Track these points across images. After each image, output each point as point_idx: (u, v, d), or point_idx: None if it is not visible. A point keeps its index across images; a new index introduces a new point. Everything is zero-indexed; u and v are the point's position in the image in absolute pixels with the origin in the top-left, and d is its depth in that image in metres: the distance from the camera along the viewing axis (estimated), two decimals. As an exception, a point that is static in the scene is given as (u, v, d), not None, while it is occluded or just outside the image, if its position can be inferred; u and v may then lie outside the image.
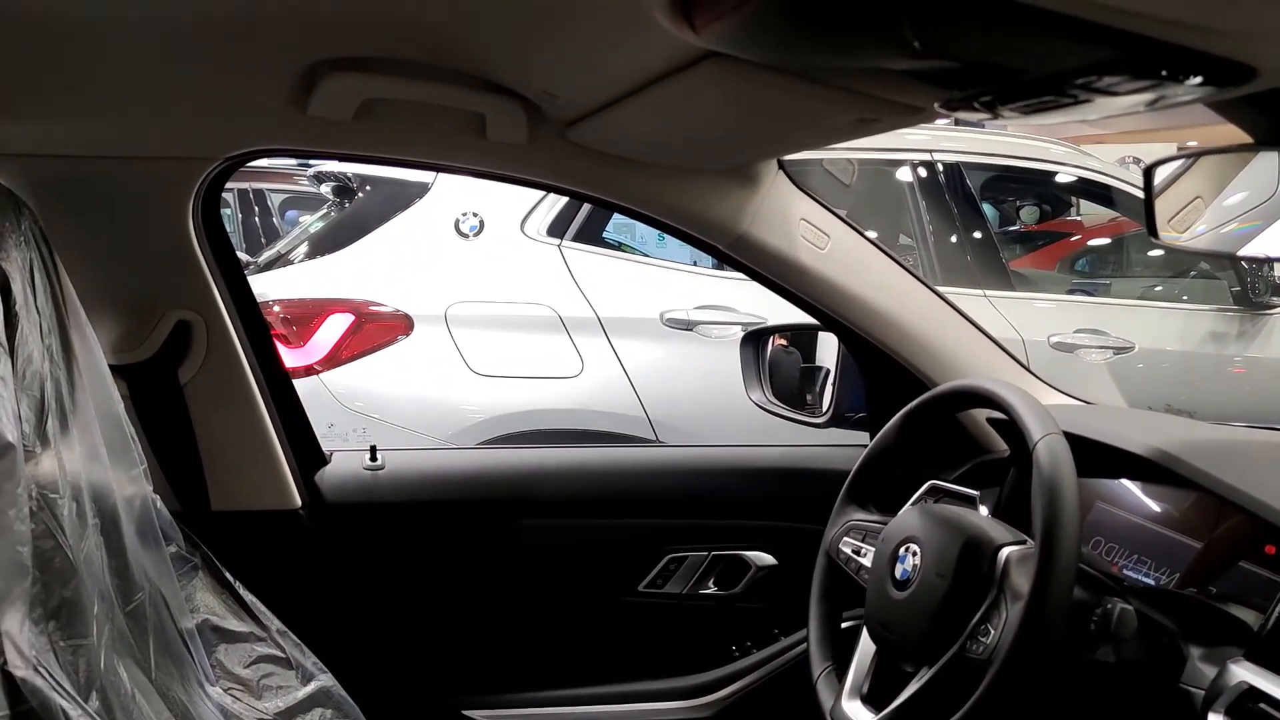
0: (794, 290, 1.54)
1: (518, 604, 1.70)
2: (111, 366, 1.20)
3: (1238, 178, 1.00)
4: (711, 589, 1.74)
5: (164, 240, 1.41)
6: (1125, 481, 1.48)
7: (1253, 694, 1.08)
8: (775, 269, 1.51)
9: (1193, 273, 4.41)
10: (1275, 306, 3.76)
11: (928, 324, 1.59)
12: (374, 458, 1.66)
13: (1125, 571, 1.39)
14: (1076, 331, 3.52)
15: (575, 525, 1.70)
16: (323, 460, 1.67)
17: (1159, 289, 4.51)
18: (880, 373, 1.66)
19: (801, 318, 1.70)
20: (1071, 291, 4.39)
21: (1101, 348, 3.53)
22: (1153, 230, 1.08)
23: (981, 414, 1.62)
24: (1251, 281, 3.70)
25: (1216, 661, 1.14)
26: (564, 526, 1.69)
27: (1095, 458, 1.29)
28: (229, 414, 1.51)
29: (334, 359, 2.86)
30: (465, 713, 1.65)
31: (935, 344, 1.58)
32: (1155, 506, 1.43)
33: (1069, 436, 1.15)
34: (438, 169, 1.44)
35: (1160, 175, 1.07)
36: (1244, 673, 1.10)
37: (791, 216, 1.50)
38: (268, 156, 1.50)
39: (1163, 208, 1.06)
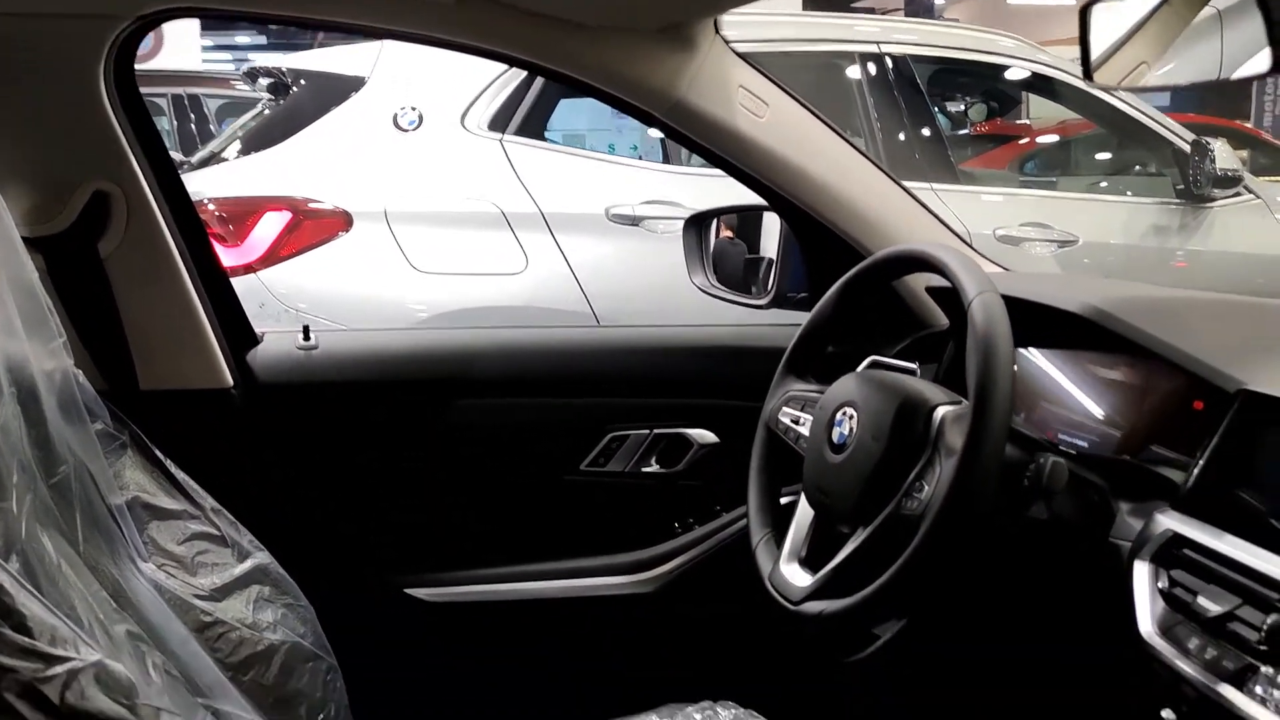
0: (732, 161, 1.52)
1: (457, 483, 1.68)
2: (25, 239, 1.15)
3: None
4: (653, 467, 1.74)
5: (75, 105, 1.35)
6: (1059, 350, 1.49)
7: (1177, 541, 1.10)
8: (713, 138, 1.49)
9: (1137, 168, 4.43)
10: (1216, 200, 3.79)
11: (867, 195, 1.58)
12: (307, 337, 1.63)
13: (1060, 436, 1.41)
14: (1022, 225, 3.53)
15: (514, 405, 1.68)
16: (254, 340, 1.63)
17: (1104, 185, 4.54)
18: (821, 248, 1.65)
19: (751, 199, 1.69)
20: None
21: (1046, 241, 3.55)
22: (1088, 73, 1.07)
23: (920, 287, 1.62)
24: (1194, 175, 3.72)
25: (1144, 515, 1.16)
26: (503, 406, 1.68)
27: (1030, 326, 1.30)
28: (153, 290, 1.47)
29: (272, 257, 2.80)
30: (407, 591, 1.65)
31: (874, 216, 1.57)
32: (1088, 373, 1.45)
33: (1005, 300, 1.15)
34: (357, 30, 1.38)
35: (1096, 18, 1.05)
36: (1169, 521, 1.12)
37: (730, 84, 1.47)
38: (182, 16, 1.44)
39: (1097, 50, 1.05)
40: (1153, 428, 1.30)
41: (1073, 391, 1.47)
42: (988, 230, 3.37)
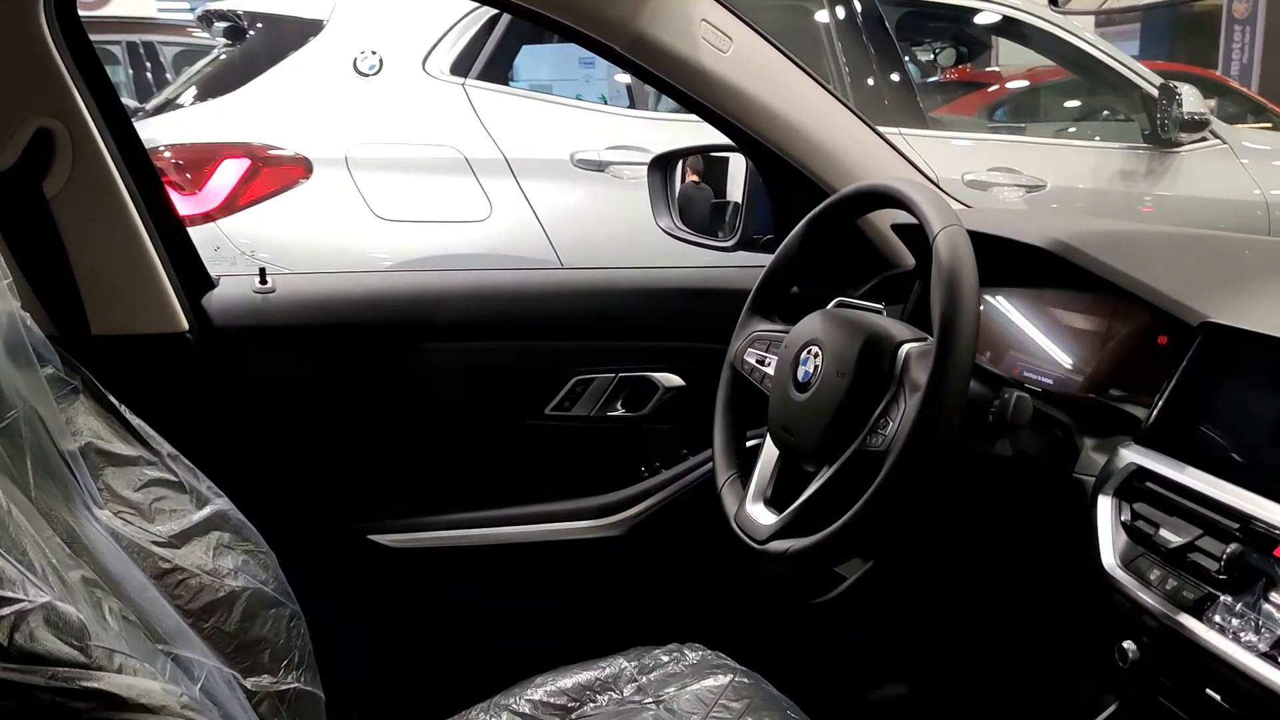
0: (697, 98, 1.49)
1: (420, 428, 1.67)
2: (-35, 177, 1.12)
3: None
4: (619, 411, 1.73)
5: (14, 39, 1.31)
6: (1025, 289, 1.49)
7: (1140, 474, 1.10)
8: (676, 74, 1.46)
9: (1105, 113, 4.43)
10: (1183, 145, 3.80)
11: (833, 133, 1.56)
12: (264, 281, 1.60)
13: (1025, 374, 1.41)
14: (990, 170, 3.53)
15: (477, 349, 1.66)
16: (209, 283, 1.60)
17: (1072, 130, 4.54)
18: (786, 188, 1.64)
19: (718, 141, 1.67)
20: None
21: (1014, 186, 3.55)
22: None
23: (886, 225, 1.61)
24: (1161, 119, 3.72)
25: (1108, 450, 1.17)
26: (465, 350, 1.66)
27: (996, 264, 1.29)
28: (103, 231, 1.43)
29: (230, 205, 2.75)
30: (370, 537, 1.64)
31: (841, 154, 1.55)
32: (1054, 311, 1.45)
33: (970, 236, 1.14)
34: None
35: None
36: (1132, 455, 1.12)
37: (692, 17, 1.44)
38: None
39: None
40: (1118, 364, 1.30)
41: (1038, 330, 1.46)
42: (956, 175, 3.37)
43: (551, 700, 1.41)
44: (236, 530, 1.28)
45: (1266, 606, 0.92)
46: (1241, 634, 0.94)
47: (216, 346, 1.55)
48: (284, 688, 1.23)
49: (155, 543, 1.19)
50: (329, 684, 1.36)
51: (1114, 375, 1.31)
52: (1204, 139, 3.83)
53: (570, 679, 1.43)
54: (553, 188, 2.97)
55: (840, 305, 1.36)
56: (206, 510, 1.27)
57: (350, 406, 1.64)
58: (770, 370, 1.35)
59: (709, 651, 1.47)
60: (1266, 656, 0.91)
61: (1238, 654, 0.93)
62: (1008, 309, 1.51)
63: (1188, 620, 0.99)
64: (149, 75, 6.61)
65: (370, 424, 1.65)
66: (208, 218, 2.71)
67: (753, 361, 1.39)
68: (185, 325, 1.52)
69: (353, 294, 1.67)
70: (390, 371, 1.64)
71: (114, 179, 1.43)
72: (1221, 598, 0.97)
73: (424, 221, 2.87)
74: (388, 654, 1.69)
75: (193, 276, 1.57)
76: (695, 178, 2.22)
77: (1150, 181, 3.82)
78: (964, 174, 3.42)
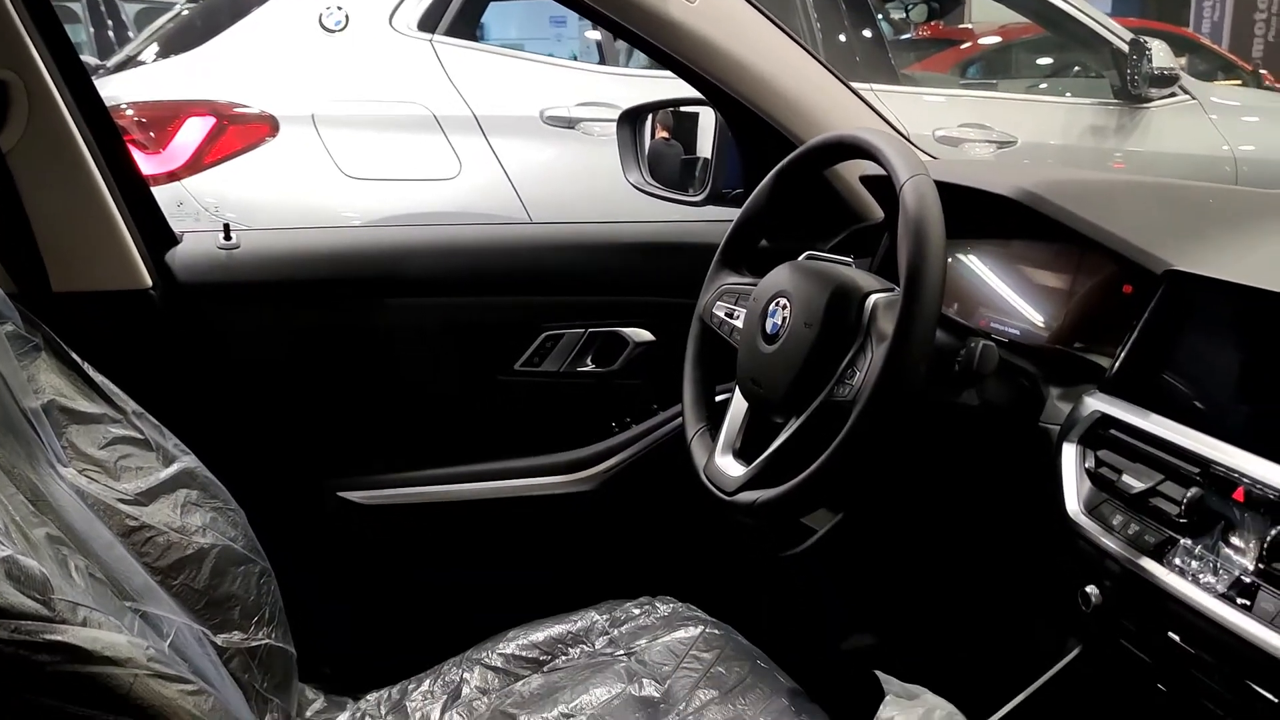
0: (663, 48, 1.48)
1: (388, 385, 1.66)
2: (-83, 131, 1.10)
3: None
4: (589, 366, 1.73)
5: None
6: (992, 240, 1.49)
7: (1105, 421, 1.11)
8: (644, 24, 1.45)
9: (1076, 69, 4.44)
10: (1153, 100, 3.81)
11: (803, 86, 1.55)
12: (228, 236, 1.58)
13: (992, 325, 1.42)
14: (961, 126, 3.53)
15: (445, 304, 1.65)
16: (173, 239, 1.58)
17: (1044, 86, 4.55)
18: (756, 142, 1.63)
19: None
20: (958, 91, 4.40)
21: (985, 142, 3.55)
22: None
23: (854, 178, 1.61)
24: (1131, 75, 3.73)
25: (1073, 399, 1.17)
26: (434, 306, 1.65)
27: (963, 215, 1.29)
28: (61, 186, 1.41)
29: (195, 164, 2.71)
30: (340, 494, 1.64)
31: (808, 104, 1.54)
32: (1020, 262, 1.45)
33: (937, 187, 1.13)
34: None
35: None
36: (1096, 403, 1.13)
37: None
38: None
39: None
40: (1083, 315, 1.31)
41: (1005, 281, 1.47)
42: (927, 131, 3.37)
43: (523, 654, 1.42)
44: (204, 488, 1.28)
45: (1225, 549, 0.94)
46: (1200, 576, 0.95)
47: (180, 303, 1.54)
48: (255, 644, 1.22)
49: (122, 500, 1.18)
50: (301, 640, 1.36)
51: (1080, 326, 1.32)
52: (1173, 94, 3.84)
53: (542, 633, 1.44)
54: (522, 145, 2.95)
55: (809, 259, 1.35)
56: (173, 468, 1.26)
57: (317, 363, 1.63)
58: (739, 323, 1.35)
59: (680, 604, 1.48)
60: (1224, 597, 0.92)
61: (1197, 595, 0.94)
62: (974, 261, 1.51)
63: (1149, 564, 1.00)
64: (110, 33, 6.49)
65: (338, 381, 1.64)
66: (172, 177, 2.67)
67: (721, 314, 1.39)
68: (148, 282, 1.50)
69: (319, 250, 1.65)
70: (357, 328, 1.63)
71: (72, 133, 1.41)
72: (1182, 541, 0.98)
73: (392, 180, 2.85)
74: (360, 610, 1.69)
75: (155, 233, 1.55)
76: (665, 134, 2.21)
77: (1120, 137, 3.83)
78: (935, 130, 3.42)
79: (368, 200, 2.80)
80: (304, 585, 1.63)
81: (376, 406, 1.67)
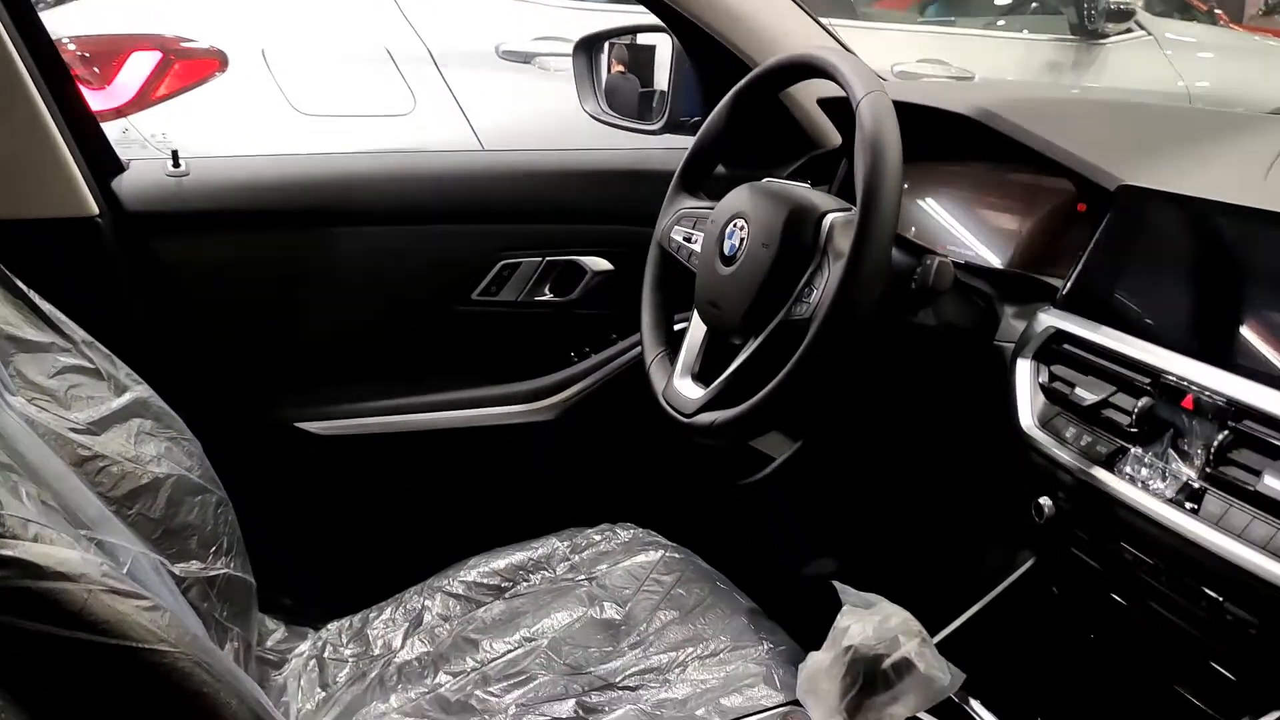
0: None
1: (344, 315, 1.64)
2: None
3: None
4: (547, 295, 1.72)
5: None
6: (949, 163, 1.50)
7: (1058, 337, 1.13)
8: None
9: (1034, 5, 4.43)
10: (1109, 36, 3.82)
11: (756, 5, 1.54)
12: (176, 164, 1.55)
13: (949, 248, 1.42)
14: (919, 61, 3.53)
15: (400, 233, 1.63)
16: (119, 167, 1.54)
17: (1001, 23, 4.54)
18: (713, 67, 1.61)
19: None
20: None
21: (943, 78, 3.55)
22: None
23: (812, 103, 1.60)
24: (1088, 9, 3.73)
25: (1028, 317, 1.18)
26: (388, 234, 1.62)
27: (920, 136, 1.29)
28: (4, 114, 1.37)
29: (142, 100, 2.65)
30: (298, 425, 1.62)
31: (764, 26, 1.53)
32: (978, 185, 1.46)
33: (895, 107, 1.13)
34: None
35: None
36: (1050, 319, 1.14)
37: None
38: None
39: None
40: (1039, 236, 1.32)
41: (962, 204, 1.48)
42: (886, 66, 3.35)
43: (485, 581, 1.42)
44: (158, 418, 1.26)
45: (1174, 456, 0.95)
46: (1150, 483, 0.97)
47: (129, 231, 1.51)
48: (213, 573, 1.22)
49: (73, 430, 1.16)
50: (261, 571, 1.36)
51: (1035, 247, 1.32)
52: (1129, 30, 3.85)
53: (503, 560, 1.44)
54: (478, 80, 2.91)
55: (767, 181, 1.35)
56: (126, 397, 1.24)
57: (271, 292, 1.60)
58: (697, 247, 1.34)
59: (640, 530, 1.49)
60: (1172, 502, 0.94)
61: (1146, 502, 0.96)
62: (931, 184, 1.52)
63: (1100, 473, 1.02)
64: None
65: (292, 310, 1.61)
66: (119, 113, 2.62)
67: (679, 239, 1.39)
68: (95, 209, 1.47)
69: (271, 178, 1.62)
70: (311, 257, 1.60)
71: (11, 56, 1.36)
72: (1132, 450, 1.00)
73: (345, 116, 2.80)
74: (320, 540, 1.69)
75: (101, 160, 1.52)
76: (621, 68, 2.18)
77: (1077, 73, 3.84)
78: (894, 65, 3.42)
79: (320, 137, 2.75)
80: (263, 516, 1.62)
81: (332, 336, 1.65)
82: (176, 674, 0.71)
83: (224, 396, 1.60)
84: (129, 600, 0.73)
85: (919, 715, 1.03)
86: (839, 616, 1.01)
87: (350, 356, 1.66)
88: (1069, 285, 1.15)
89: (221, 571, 1.22)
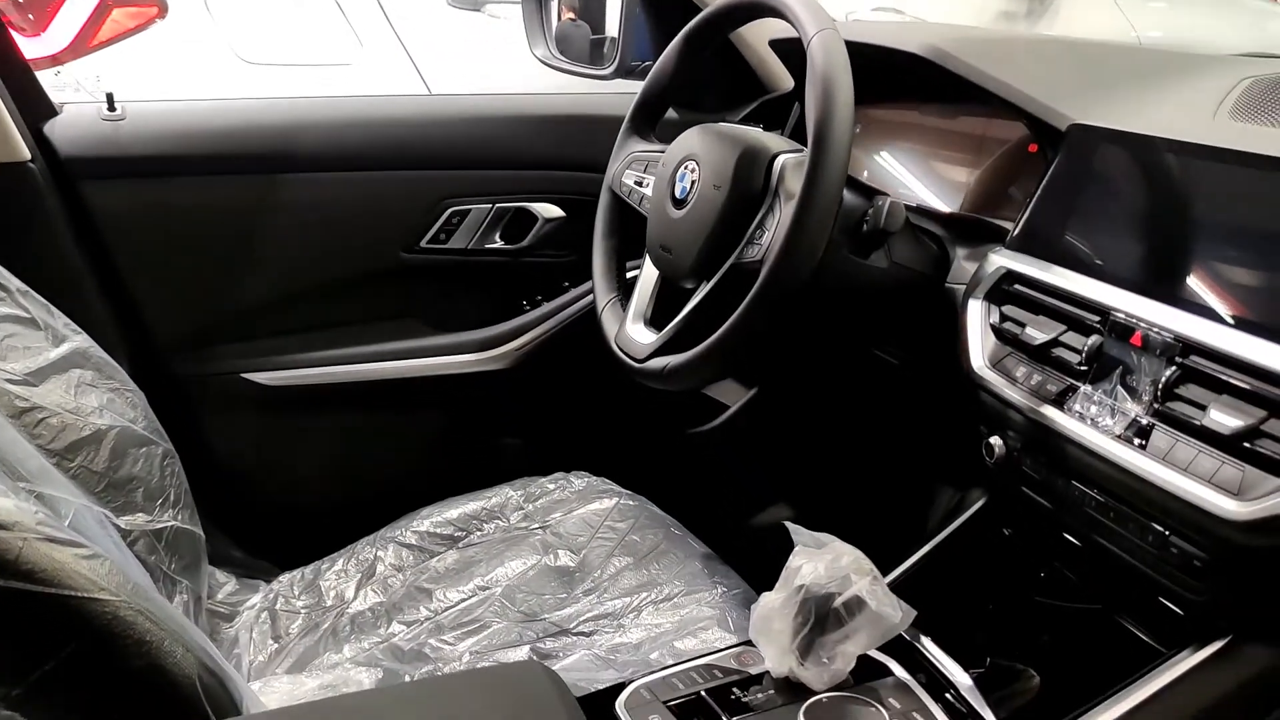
0: None
1: (290, 260, 1.60)
2: None
3: None
4: (498, 243, 1.69)
5: None
6: (901, 106, 1.49)
7: (1009, 277, 1.13)
8: None
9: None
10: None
11: None
12: (112, 108, 1.50)
13: (901, 192, 1.42)
14: (874, 10, 3.51)
15: (346, 179, 1.59)
16: (52, 110, 1.49)
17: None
18: (663, 8, 1.59)
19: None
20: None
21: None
22: None
23: (764, 46, 1.58)
24: (1041, -42, 3.74)
25: (980, 258, 1.18)
26: (334, 181, 1.59)
27: (872, 79, 1.28)
28: None
29: (78, 48, 2.57)
30: (245, 376, 1.59)
31: None
32: (930, 128, 1.45)
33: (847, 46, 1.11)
34: None
35: None
36: (1001, 259, 1.14)
37: None
38: None
39: None
40: (992, 179, 1.32)
41: (915, 148, 1.47)
42: (840, 14, 3.33)
43: (438, 530, 1.41)
44: (99, 368, 1.23)
45: (1122, 392, 0.96)
46: (1099, 420, 0.97)
47: (62, 176, 1.46)
48: (160, 526, 1.20)
49: (10, 380, 1.13)
50: (210, 523, 1.34)
51: (988, 190, 1.32)
52: (1083, -23, 3.86)
53: (456, 510, 1.43)
54: (427, 28, 2.85)
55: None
56: (64, 348, 1.21)
57: (214, 239, 1.56)
58: (648, 191, 1.33)
59: (594, 478, 1.48)
60: (1121, 438, 0.95)
61: (1095, 438, 0.97)
62: (884, 129, 1.51)
63: (1050, 411, 1.02)
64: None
65: (236, 258, 1.58)
66: (55, 61, 2.54)
67: (631, 183, 1.37)
68: (26, 154, 1.42)
69: (211, 123, 1.57)
70: (254, 203, 1.56)
71: None
72: (1082, 388, 1.00)
73: (290, 64, 2.74)
74: (270, 492, 1.66)
75: (33, 104, 1.46)
76: (572, 15, 2.14)
77: (1029, 22, 3.85)
78: (847, 14, 3.40)
79: (265, 86, 2.69)
80: (212, 468, 1.60)
81: (278, 284, 1.61)
82: (118, 623, 0.69)
83: (167, 347, 1.57)
84: (66, 549, 0.71)
85: (871, 652, 1.04)
86: (791, 556, 1.01)
87: (297, 305, 1.63)
88: (1020, 226, 1.15)
89: (169, 524, 1.20)
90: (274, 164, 1.55)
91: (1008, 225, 1.20)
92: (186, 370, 1.58)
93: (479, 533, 1.41)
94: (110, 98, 1.50)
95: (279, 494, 1.67)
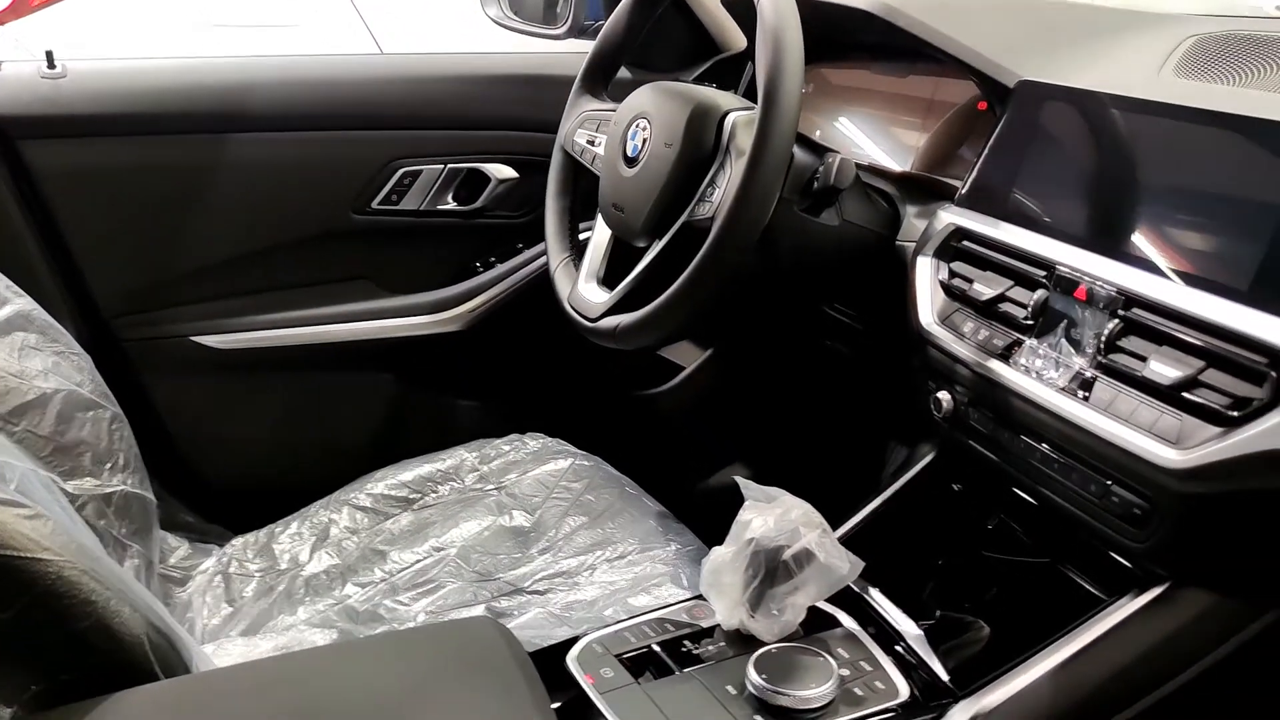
0: None
1: (239, 222, 1.57)
2: None
3: None
4: (450, 204, 1.68)
5: None
6: (852, 65, 1.49)
7: (958, 234, 1.14)
8: None
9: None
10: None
11: None
12: (52, 65, 1.47)
13: (853, 151, 1.42)
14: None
15: (294, 139, 1.57)
16: None
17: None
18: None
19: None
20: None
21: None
22: None
23: (717, 4, 1.57)
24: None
25: (930, 216, 1.19)
26: (282, 141, 1.56)
27: (823, 39, 1.28)
28: None
29: (19, 7, 2.51)
30: (194, 339, 1.57)
31: None
32: (881, 88, 1.45)
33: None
34: None
35: None
36: (950, 216, 1.15)
37: None
38: None
39: None
40: (943, 138, 1.32)
41: (866, 107, 1.47)
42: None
43: (392, 493, 1.41)
44: (43, 331, 1.21)
45: (1066, 346, 0.97)
46: (1043, 373, 0.99)
47: (2, 136, 1.43)
48: (109, 490, 1.18)
49: (-49, 345, 1.12)
50: (162, 488, 1.33)
51: (938, 149, 1.33)
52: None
53: (411, 472, 1.43)
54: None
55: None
56: (6, 310, 1.19)
57: (160, 200, 1.53)
58: (600, 150, 1.32)
59: (549, 439, 1.48)
60: (1065, 391, 0.96)
61: (1039, 391, 0.98)
62: (835, 88, 1.51)
63: (996, 365, 1.03)
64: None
65: (184, 218, 1.55)
66: (-5, 21, 2.47)
67: (583, 142, 1.36)
68: None
69: (156, 81, 1.53)
70: (202, 163, 1.53)
71: None
72: (1027, 342, 1.01)
73: (241, 25, 2.69)
74: (224, 456, 1.65)
75: None
76: (527, -24, 2.12)
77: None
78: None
79: (214, 47, 2.64)
80: (162, 433, 1.58)
81: (227, 246, 1.59)
82: (62, 583, 0.68)
83: (113, 310, 1.54)
84: (8, 509, 0.70)
85: (821, 605, 1.05)
86: (741, 511, 1.02)
87: (247, 267, 1.61)
88: (969, 183, 1.16)
89: (118, 488, 1.19)
90: (221, 123, 1.53)
91: (958, 184, 1.21)
92: (134, 333, 1.55)
93: (434, 494, 1.41)
94: (50, 55, 1.47)
95: (231, 458, 1.65)
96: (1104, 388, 0.93)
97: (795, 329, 1.56)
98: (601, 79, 1.39)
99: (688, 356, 1.78)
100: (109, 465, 1.20)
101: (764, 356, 1.70)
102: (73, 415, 1.16)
